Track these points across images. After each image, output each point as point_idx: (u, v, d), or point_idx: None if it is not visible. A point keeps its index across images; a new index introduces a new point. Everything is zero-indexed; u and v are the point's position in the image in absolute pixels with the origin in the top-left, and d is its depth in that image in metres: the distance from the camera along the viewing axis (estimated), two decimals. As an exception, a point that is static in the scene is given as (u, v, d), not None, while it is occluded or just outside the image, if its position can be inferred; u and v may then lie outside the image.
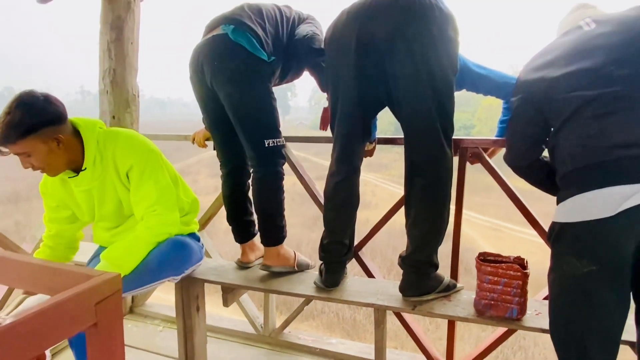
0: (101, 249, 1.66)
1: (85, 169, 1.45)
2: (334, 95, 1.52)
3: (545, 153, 1.30)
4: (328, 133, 1.65)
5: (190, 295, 1.74)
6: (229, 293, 1.79)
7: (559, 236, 1.10)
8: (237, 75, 1.57)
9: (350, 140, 1.54)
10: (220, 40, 1.58)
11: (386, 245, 11.41)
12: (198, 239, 1.73)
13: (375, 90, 1.46)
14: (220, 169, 1.85)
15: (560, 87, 1.13)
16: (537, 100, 1.20)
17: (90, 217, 1.59)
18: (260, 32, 1.61)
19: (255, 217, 1.80)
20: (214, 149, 1.88)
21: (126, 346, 0.75)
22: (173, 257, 1.53)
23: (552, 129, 1.19)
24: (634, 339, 1.10)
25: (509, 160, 1.37)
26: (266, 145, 1.62)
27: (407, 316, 1.85)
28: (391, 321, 1.86)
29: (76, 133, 1.45)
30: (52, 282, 0.78)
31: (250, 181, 1.79)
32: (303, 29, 1.73)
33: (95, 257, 1.63)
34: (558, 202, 1.12)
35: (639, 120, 1.02)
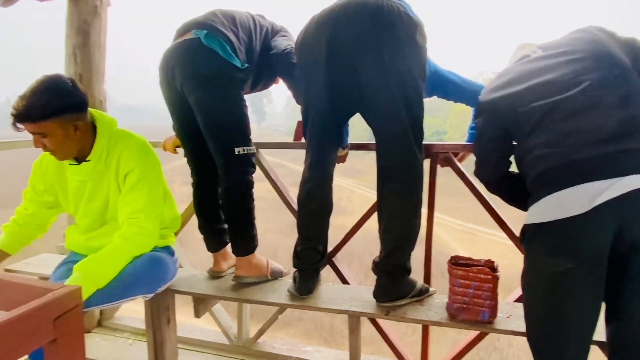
0: (73, 254, 1.60)
1: (89, 160, 1.45)
2: (306, 101, 1.52)
3: (514, 167, 1.32)
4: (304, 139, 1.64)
5: (160, 306, 1.70)
6: (201, 303, 1.75)
7: (533, 237, 1.11)
8: (209, 81, 1.55)
9: (323, 146, 1.54)
10: (193, 44, 1.55)
11: (363, 250, 11.44)
12: (172, 254, 1.70)
13: (346, 96, 1.47)
14: (191, 176, 1.81)
15: (525, 99, 1.16)
16: (502, 116, 1.23)
17: (75, 208, 1.56)
18: (233, 38, 1.59)
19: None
20: (185, 156, 1.84)
21: (92, 361, 0.72)
22: (147, 275, 1.50)
23: (516, 143, 1.22)
24: (603, 338, 1.11)
25: (480, 176, 1.39)
26: (236, 153, 1.59)
27: (381, 321, 1.85)
28: (369, 326, 1.86)
29: (92, 124, 1.46)
30: (8, 297, 0.75)
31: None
32: (281, 43, 1.72)
33: (64, 264, 1.57)
34: (530, 205, 1.13)
35: (605, 118, 1.05)
